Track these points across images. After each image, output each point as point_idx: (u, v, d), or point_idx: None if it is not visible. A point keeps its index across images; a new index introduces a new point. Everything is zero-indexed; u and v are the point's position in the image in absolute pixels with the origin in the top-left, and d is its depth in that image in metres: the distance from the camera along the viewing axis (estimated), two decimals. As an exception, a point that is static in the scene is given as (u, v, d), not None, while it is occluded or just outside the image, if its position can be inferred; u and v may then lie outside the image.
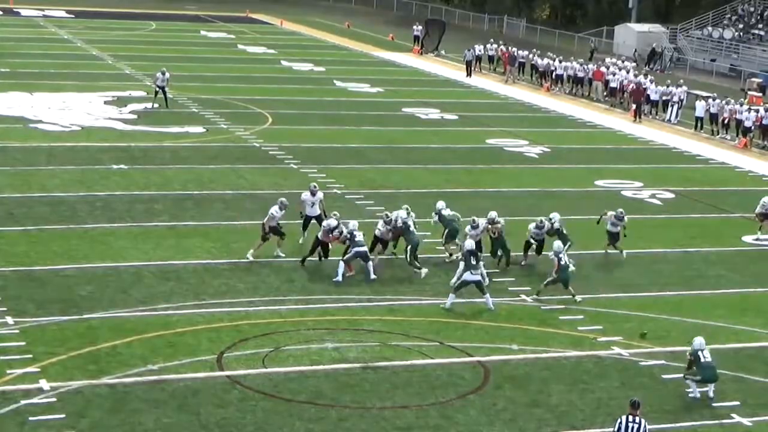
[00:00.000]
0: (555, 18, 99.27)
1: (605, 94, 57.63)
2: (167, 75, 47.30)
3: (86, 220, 30.26)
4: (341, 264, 26.28)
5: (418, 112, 50.50)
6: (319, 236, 27.06)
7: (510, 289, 26.44)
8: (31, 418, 18.44)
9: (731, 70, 69.30)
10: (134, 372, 20.50)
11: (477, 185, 37.15)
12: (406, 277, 26.74)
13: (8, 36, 69.64)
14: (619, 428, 16.79)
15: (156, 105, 47.19)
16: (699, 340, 21.02)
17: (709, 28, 75.00)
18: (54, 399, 19.22)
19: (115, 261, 26.87)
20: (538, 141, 45.27)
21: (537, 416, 19.73)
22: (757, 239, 32.36)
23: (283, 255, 27.79)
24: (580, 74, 59.06)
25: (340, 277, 26.15)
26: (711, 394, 20.75)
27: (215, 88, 53.28)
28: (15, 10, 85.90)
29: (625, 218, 29.31)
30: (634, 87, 53.67)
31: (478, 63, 65.70)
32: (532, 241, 28.17)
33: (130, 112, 46.20)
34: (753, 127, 47.38)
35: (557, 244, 26.17)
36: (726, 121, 48.93)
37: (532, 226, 27.95)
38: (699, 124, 49.90)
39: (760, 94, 57.90)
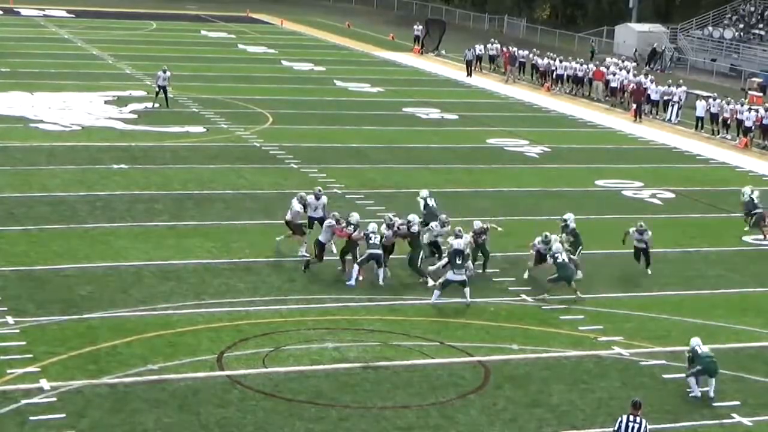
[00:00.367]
0: (555, 18, 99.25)
1: (605, 94, 57.63)
2: (168, 74, 47.31)
3: (86, 220, 30.26)
4: (355, 267, 25.94)
5: (418, 112, 50.50)
6: (320, 239, 26.76)
7: (510, 289, 26.44)
8: (31, 418, 18.44)
9: (732, 69, 69.29)
10: (134, 372, 20.51)
11: (477, 185, 37.15)
12: (406, 276, 26.72)
13: (9, 36, 69.64)
14: (620, 428, 16.79)
15: (156, 105, 47.20)
16: (696, 340, 21.18)
17: (710, 28, 75.00)
18: (54, 399, 19.22)
19: (115, 261, 26.88)
20: (539, 141, 45.27)
21: (537, 416, 19.73)
22: (756, 239, 32.38)
23: (309, 255, 27.50)
24: (581, 74, 59.06)
25: (353, 281, 25.85)
26: (711, 394, 20.76)
27: (216, 88, 53.28)
28: (15, 9, 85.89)
29: (649, 232, 27.99)
30: (635, 87, 53.67)
31: (478, 63, 65.71)
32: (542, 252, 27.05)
33: (130, 112, 46.21)
34: (753, 127, 47.38)
35: (556, 246, 26.12)
36: (728, 122, 48.91)
37: (537, 240, 26.85)
38: (699, 124, 49.90)
39: (761, 94, 57.88)
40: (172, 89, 47.75)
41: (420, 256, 26.60)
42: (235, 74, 58.87)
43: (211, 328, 22.95)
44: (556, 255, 25.74)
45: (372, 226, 26.48)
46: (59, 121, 43.55)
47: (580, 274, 26.76)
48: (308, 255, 27.43)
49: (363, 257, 26.07)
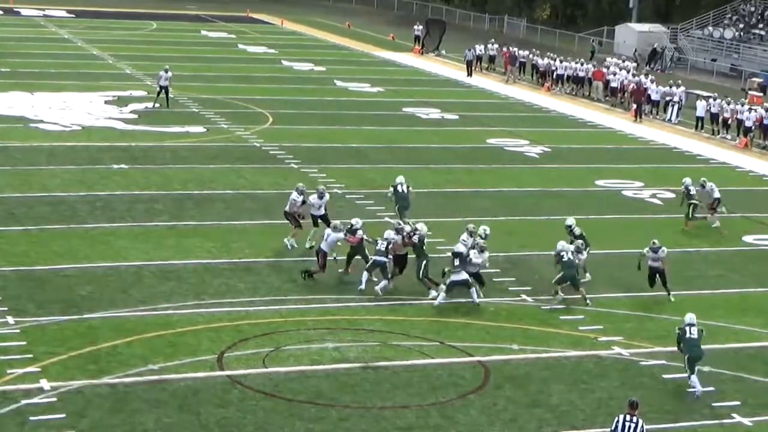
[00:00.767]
0: (555, 18, 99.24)
1: (605, 94, 57.64)
2: (170, 74, 47.31)
3: (86, 220, 30.27)
4: (365, 274, 25.66)
5: (418, 112, 50.51)
6: (322, 248, 26.18)
7: (510, 289, 26.44)
8: (31, 418, 18.44)
9: (732, 69, 69.30)
10: (134, 372, 20.51)
11: (477, 185, 37.15)
12: (406, 276, 26.68)
13: (9, 36, 69.64)
14: (616, 427, 16.82)
15: (157, 105, 47.19)
16: (690, 316, 21.45)
17: (710, 28, 75.00)
18: (54, 399, 19.23)
19: (115, 261, 26.88)
20: (539, 141, 45.27)
21: (537, 416, 19.73)
22: (716, 227, 32.80)
23: (296, 246, 28.11)
24: (581, 74, 59.06)
25: (363, 285, 25.56)
26: (694, 383, 21.03)
27: (216, 88, 53.29)
28: (15, 9, 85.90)
29: (664, 249, 26.46)
30: (635, 87, 53.68)
31: (478, 63, 65.73)
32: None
33: (130, 112, 46.21)
34: (753, 127, 47.38)
35: (560, 244, 26.04)
36: (728, 122, 48.91)
37: (562, 250, 25.96)
38: (699, 124, 49.90)
39: (761, 94, 57.88)
40: (172, 89, 47.72)
41: (424, 266, 25.80)
42: (235, 74, 58.88)
43: (211, 328, 22.95)
44: (561, 253, 25.67)
45: (387, 233, 26.28)
46: (59, 121, 43.55)
47: (588, 276, 26.72)
48: (295, 244, 28.09)
49: (369, 263, 25.85)
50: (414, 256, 26.10)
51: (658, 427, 19.43)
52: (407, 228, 26.38)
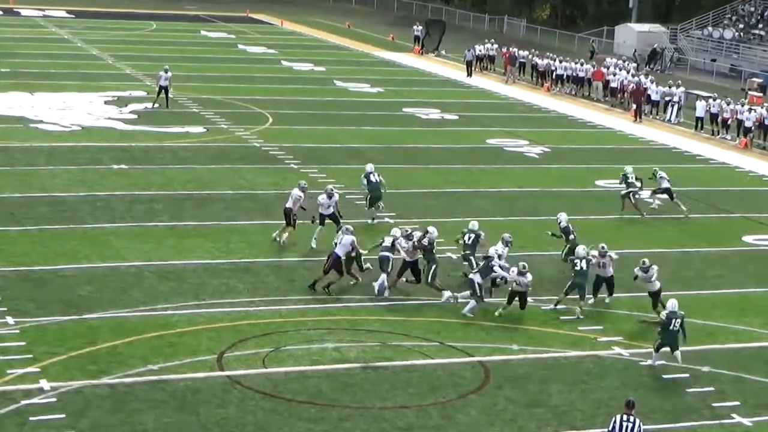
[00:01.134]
0: (555, 18, 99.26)
1: (605, 94, 57.64)
2: (170, 74, 47.29)
3: (86, 220, 30.26)
4: (382, 276, 25.57)
5: (418, 112, 50.51)
6: (338, 253, 25.38)
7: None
8: (31, 418, 18.44)
9: (731, 70, 69.30)
10: (134, 372, 20.51)
11: (477, 185, 37.15)
12: (406, 276, 26.67)
13: (8, 36, 69.64)
14: (614, 427, 16.84)
15: (157, 105, 47.18)
16: (672, 303, 22.09)
17: (710, 28, 75.00)
18: (54, 399, 19.23)
19: (115, 261, 26.88)
20: (539, 141, 45.27)
21: (537, 416, 19.73)
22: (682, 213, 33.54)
23: (283, 243, 28.39)
24: (581, 74, 59.07)
25: (382, 291, 25.58)
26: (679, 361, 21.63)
27: (216, 88, 53.28)
28: (15, 10, 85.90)
29: (654, 268, 25.13)
30: (635, 87, 53.68)
31: (478, 63, 65.74)
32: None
33: (130, 112, 46.21)
34: (753, 127, 47.38)
35: (580, 249, 25.34)
36: (728, 122, 48.91)
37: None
38: (699, 124, 49.90)
39: (761, 94, 57.89)
40: (172, 90, 47.70)
41: (434, 271, 25.52)
42: (235, 74, 58.88)
43: (211, 329, 22.95)
44: (575, 261, 25.44)
45: (394, 231, 26.37)
46: (59, 121, 43.54)
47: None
48: (285, 242, 28.34)
49: (379, 262, 25.77)
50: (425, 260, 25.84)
51: (658, 427, 19.44)
52: (417, 233, 26.06)
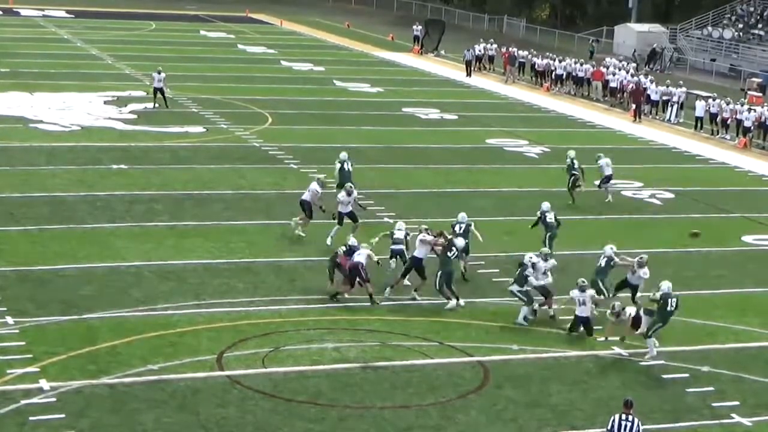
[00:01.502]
0: (555, 18, 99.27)
1: (605, 94, 57.64)
2: (163, 74, 47.23)
3: (86, 220, 30.26)
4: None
5: (418, 112, 50.51)
6: (360, 260, 24.96)
7: (510, 289, 26.36)
8: (31, 418, 18.44)
9: (731, 70, 69.30)
10: (134, 372, 20.50)
11: (477, 185, 37.15)
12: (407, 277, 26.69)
13: (8, 36, 69.66)
14: (612, 427, 16.83)
15: (156, 105, 47.16)
16: (667, 284, 22.34)
17: (709, 28, 75.00)
18: (54, 399, 19.22)
19: (115, 261, 26.87)
20: (539, 141, 45.27)
21: (537, 416, 19.73)
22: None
23: (304, 235, 28.85)
24: (580, 74, 59.07)
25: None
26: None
27: (215, 88, 53.28)
28: (15, 10, 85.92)
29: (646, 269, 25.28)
30: (634, 87, 53.69)
31: (478, 63, 65.74)
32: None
33: (130, 112, 46.21)
34: (752, 127, 47.39)
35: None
36: (727, 122, 48.91)
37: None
38: (699, 124, 49.90)
39: (760, 94, 57.90)
40: (171, 89, 47.71)
41: (443, 276, 25.09)
42: (235, 74, 58.88)
43: (211, 329, 22.94)
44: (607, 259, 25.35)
45: (399, 224, 26.72)
46: (59, 121, 43.55)
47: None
48: (303, 233, 28.76)
49: (391, 253, 26.07)
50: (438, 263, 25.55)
51: (658, 427, 19.44)
52: (429, 237, 25.70)
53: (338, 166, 32.37)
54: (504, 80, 62.61)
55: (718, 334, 24.25)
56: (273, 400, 19.75)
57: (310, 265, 27.18)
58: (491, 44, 67.70)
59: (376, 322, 23.89)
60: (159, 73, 47.15)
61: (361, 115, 48.95)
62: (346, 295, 24.90)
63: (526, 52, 64.58)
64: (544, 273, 24.67)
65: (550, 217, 28.35)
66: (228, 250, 28.29)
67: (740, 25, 74.18)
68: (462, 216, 27.37)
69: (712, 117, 49.60)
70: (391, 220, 30.47)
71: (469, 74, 63.59)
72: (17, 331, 22.15)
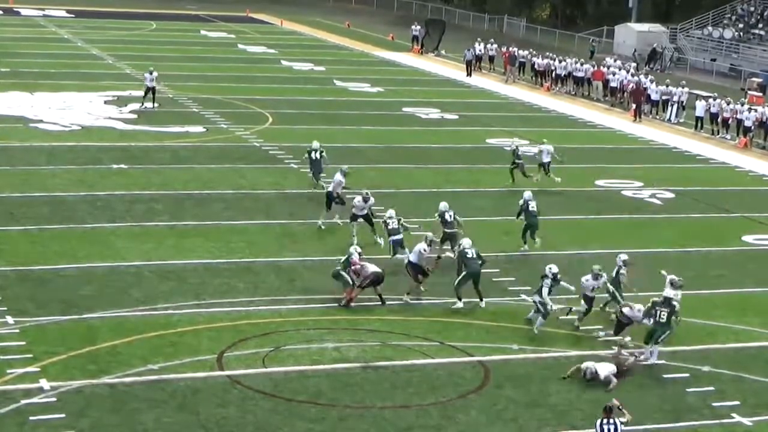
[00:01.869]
0: (555, 18, 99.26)
1: (605, 94, 57.64)
2: (155, 74, 47.20)
3: (86, 220, 30.26)
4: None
5: (418, 112, 50.51)
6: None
7: (510, 289, 26.42)
8: (31, 418, 18.45)
9: (731, 69, 69.28)
10: (134, 372, 20.51)
11: (477, 185, 37.14)
12: (406, 276, 26.64)
13: (8, 36, 69.65)
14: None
15: (157, 105, 47.15)
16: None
17: (710, 28, 74.99)
18: (54, 399, 19.23)
19: (115, 261, 26.87)
20: (539, 141, 45.17)
21: (537, 416, 19.74)
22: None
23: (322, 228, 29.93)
24: (580, 74, 59.07)
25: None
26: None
27: (215, 88, 53.28)
28: (15, 9, 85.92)
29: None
30: (634, 87, 53.69)
31: (478, 63, 65.74)
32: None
33: (130, 112, 46.21)
34: (753, 127, 47.38)
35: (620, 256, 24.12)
36: (728, 122, 48.90)
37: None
38: (699, 124, 49.90)
39: (761, 94, 57.88)
40: (171, 89, 47.69)
41: (467, 277, 24.94)
42: (235, 74, 58.88)
43: (211, 328, 22.95)
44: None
45: (390, 212, 27.50)
46: (59, 121, 43.55)
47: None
48: (321, 223, 29.96)
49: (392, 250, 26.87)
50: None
51: (658, 427, 19.44)
52: (426, 254, 25.68)
53: (306, 155, 34.44)
54: (504, 80, 62.60)
55: (719, 334, 24.26)
56: (273, 399, 19.75)
57: (310, 265, 27.19)
58: (491, 44, 67.69)
59: (376, 321, 23.89)
60: (151, 72, 47.11)
61: (362, 115, 48.95)
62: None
63: (526, 52, 64.57)
64: (592, 290, 24.19)
65: (533, 206, 29.18)
66: (228, 249, 28.29)
67: (740, 25, 74.17)
68: (444, 205, 28.25)
69: (713, 117, 49.58)
70: (390, 220, 30.44)
71: (469, 74, 63.59)
72: (17, 330, 22.16)
